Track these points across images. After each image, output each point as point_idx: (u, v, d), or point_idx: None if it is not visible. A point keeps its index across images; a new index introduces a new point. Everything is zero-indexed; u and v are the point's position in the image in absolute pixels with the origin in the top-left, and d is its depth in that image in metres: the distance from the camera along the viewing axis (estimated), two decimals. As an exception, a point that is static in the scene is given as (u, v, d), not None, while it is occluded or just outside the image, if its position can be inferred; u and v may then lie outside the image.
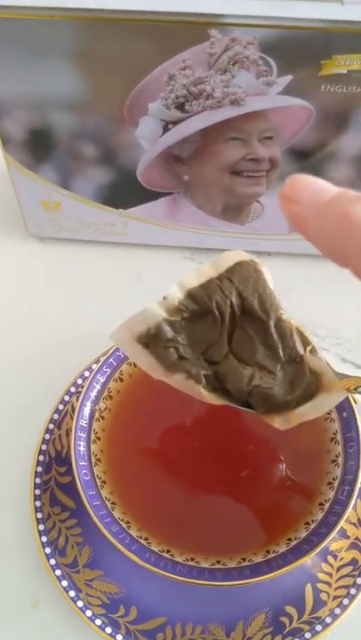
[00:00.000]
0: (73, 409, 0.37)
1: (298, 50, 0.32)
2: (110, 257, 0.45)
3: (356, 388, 0.24)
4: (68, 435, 0.36)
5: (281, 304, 0.26)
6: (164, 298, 0.26)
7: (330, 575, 0.32)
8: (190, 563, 0.27)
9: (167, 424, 0.32)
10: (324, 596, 0.32)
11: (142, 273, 0.45)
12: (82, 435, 0.30)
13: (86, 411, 0.30)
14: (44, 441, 0.35)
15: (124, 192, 0.40)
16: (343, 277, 0.43)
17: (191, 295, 0.25)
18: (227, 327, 0.25)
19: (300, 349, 0.25)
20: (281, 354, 0.25)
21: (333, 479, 0.29)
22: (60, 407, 0.36)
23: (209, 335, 0.25)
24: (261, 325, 0.25)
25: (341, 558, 0.33)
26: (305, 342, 0.26)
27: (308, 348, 0.26)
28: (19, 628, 0.33)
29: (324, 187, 0.20)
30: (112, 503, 0.29)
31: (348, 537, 0.33)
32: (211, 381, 0.25)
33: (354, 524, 0.33)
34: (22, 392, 0.39)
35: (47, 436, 0.36)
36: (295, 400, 0.25)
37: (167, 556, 0.27)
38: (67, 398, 0.37)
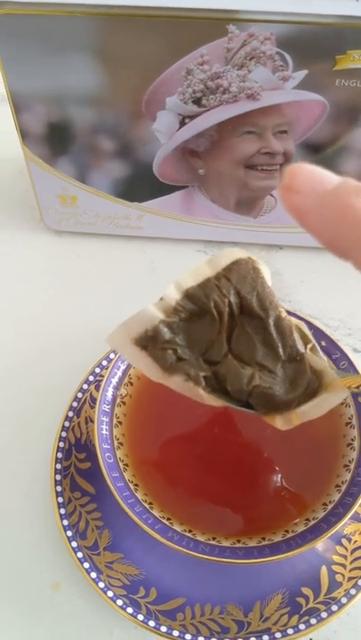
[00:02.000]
0: (92, 397, 0.37)
1: (313, 45, 0.32)
2: (125, 250, 0.46)
3: (357, 387, 0.24)
4: (87, 422, 0.37)
5: (284, 299, 0.26)
6: (161, 299, 0.25)
7: (344, 557, 0.33)
8: (212, 542, 0.28)
9: (187, 409, 0.32)
10: (339, 578, 0.32)
11: (157, 266, 0.46)
12: (104, 419, 0.31)
13: (109, 396, 0.31)
14: (63, 428, 0.36)
15: (140, 186, 0.41)
16: (352, 269, 0.44)
17: (188, 295, 0.25)
18: (225, 326, 0.25)
19: (301, 348, 0.25)
20: (281, 352, 0.25)
21: (350, 462, 0.30)
22: (79, 395, 0.37)
23: (208, 335, 0.25)
24: (261, 324, 0.25)
25: (355, 541, 0.33)
26: (305, 340, 0.25)
27: (309, 347, 0.25)
28: (40, 610, 0.33)
29: (325, 176, 0.19)
30: (135, 485, 0.30)
31: (361, 521, 0.34)
32: (210, 382, 0.25)
33: (367, 508, 0.34)
34: (42, 381, 0.40)
35: (67, 424, 0.36)
36: (296, 399, 0.25)
37: (190, 535, 0.28)
38: (85, 387, 0.38)
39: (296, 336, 0.25)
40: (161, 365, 0.25)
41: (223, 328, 0.25)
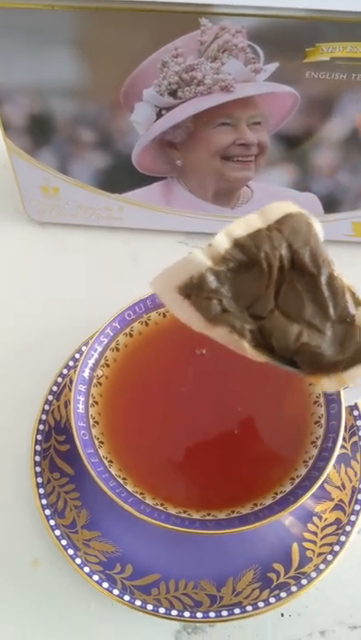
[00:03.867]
0: (71, 381, 0.38)
1: (284, 38, 0.33)
2: (107, 241, 0.47)
3: None
4: (66, 406, 0.38)
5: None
6: (210, 245, 0.24)
7: (315, 534, 0.34)
8: (183, 515, 0.29)
9: (160, 390, 0.33)
10: (309, 554, 0.33)
11: (138, 257, 0.47)
12: (80, 398, 0.32)
13: (85, 376, 0.32)
14: (43, 411, 0.37)
15: (120, 177, 0.42)
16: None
17: (239, 244, 0.24)
18: (274, 281, 0.24)
19: (352, 309, 0.24)
20: (332, 312, 0.24)
21: (317, 438, 0.31)
22: (59, 380, 0.38)
23: (255, 289, 0.24)
24: (312, 281, 0.24)
25: (326, 519, 0.34)
26: (357, 302, 0.24)
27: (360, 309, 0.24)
28: (20, 586, 0.34)
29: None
30: (109, 461, 0.30)
31: (332, 499, 0.35)
32: (255, 337, 0.24)
33: (338, 487, 0.35)
34: (23, 368, 0.41)
35: (47, 407, 0.37)
36: (345, 361, 0.24)
37: (161, 508, 0.29)
38: (65, 372, 0.39)
39: (348, 297, 0.24)
40: (205, 316, 0.24)
41: (272, 282, 0.24)
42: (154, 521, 0.28)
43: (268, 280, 0.24)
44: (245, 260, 0.24)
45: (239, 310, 0.24)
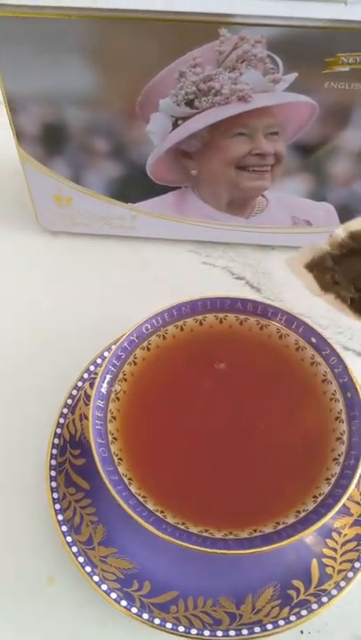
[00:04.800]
0: (86, 394, 0.38)
1: (303, 48, 0.33)
2: (118, 250, 0.47)
3: None
4: (81, 419, 0.37)
5: (275, 298, 0.34)
6: (330, 236, 0.31)
7: (335, 550, 0.34)
8: (204, 534, 0.29)
9: (179, 405, 0.33)
10: (329, 570, 0.33)
11: (149, 266, 0.46)
12: (99, 414, 0.31)
13: (103, 391, 0.32)
14: (58, 425, 0.37)
15: (134, 186, 0.42)
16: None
17: (352, 235, 0.31)
18: None
19: None
20: None
21: (339, 455, 0.30)
22: (74, 393, 0.38)
23: (360, 268, 0.31)
24: None
25: (345, 535, 0.34)
26: None
27: None
28: (35, 604, 0.34)
29: None
30: (129, 479, 0.30)
31: (351, 514, 0.34)
32: (355, 304, 0.31)
33: (357, 502, 0.35)
34: (37, 380, 0.41)
35: (62, 420, 0.37)
36: None
37: (182, 527, 0.29)
38: (80, 384, 0.38)
39: None
40: (320, 285, 0.31)
41: None
42: (176, 541, 0.28)
43: None
44: (356, 247, 0.31)
45: (346, 283, 0.31)
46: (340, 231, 0.31)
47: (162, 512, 0.29)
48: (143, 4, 0.32)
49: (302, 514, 0.29)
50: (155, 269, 0.46)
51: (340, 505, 0.28)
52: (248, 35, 0.33)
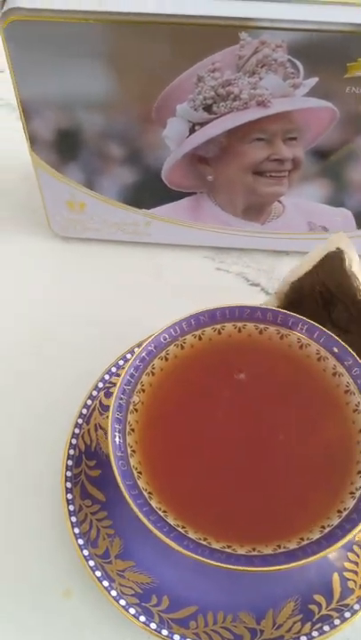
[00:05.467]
0: (101, 404, 0.37)
1: (325, 52, 0.32)
2: (132, 256, 0.46)
3: None
4: (96, 429, 0.37)
5: None
6: (275, 292, 0.36)
7: (356, 564, 0.33)
8: (227, 550, 0.28)
9: (199, 416, 0.32)
10: (351, 585, 0.32)
11: (163, 272, 0.46)
12: (117, 426, 0.31)
13: (122, 403, 0.31)
14: (73, 435, 0.36)
15: (148, 192, 0.41)
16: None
17: (293, 287, 0.36)
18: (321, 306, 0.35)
19: None
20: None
21: (364, 469, 0.30)
22: (89, 402, 0.37)
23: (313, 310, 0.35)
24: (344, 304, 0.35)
25: (367, 548, 0.33)
26: None
27: None
28: (51, 618, 0.33)
29: None
30: (149, 493, 0.29)
31: (373, 527, 0.34)
32: None
33: (379, 514, 0.34)
34: (50, 389, 0.40)
35: (76, 431, 0.36)
36: None
37: (205, 543, 0.28)
38: (94, 394, 0.38)
39: None
40: None
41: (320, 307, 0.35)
42: (199, 557, 0.27)
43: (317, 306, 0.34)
44: (297, 297, 0.34)
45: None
46: (283, 285, 0.34)
47: (183, 527, 0.29)
48: (161, 7, 0.32)
49: (327, 529, 0.28)
50: (168, 275, 0.45)
51: (366, 521, 0.28)
52: (269, 39, 0.32)
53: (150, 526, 0.28)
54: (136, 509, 0.28)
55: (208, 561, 0.27)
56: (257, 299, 0.44)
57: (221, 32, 0.32)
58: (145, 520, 0.28)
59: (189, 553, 0.27)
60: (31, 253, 0.46)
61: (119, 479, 0.29)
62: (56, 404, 0.39)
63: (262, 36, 0.32)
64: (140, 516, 0.28)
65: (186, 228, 0.43)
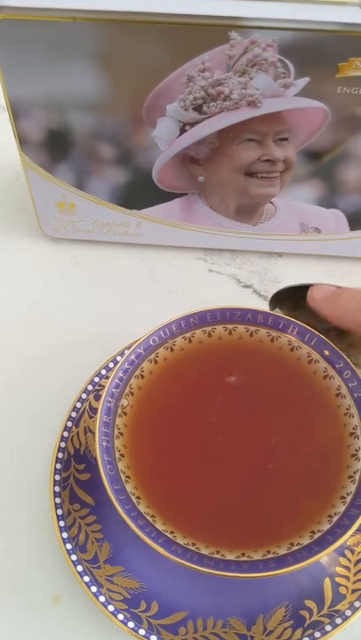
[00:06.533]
0: (91, 407, 0.37)
1: (316, 52, 0.32)
2: (123, 257, 0.46)
3: None
4: (86, 433, 0.36)
5: None
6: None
7: (348, 569, 0.33)
8: (216, 555, 0.28)
9: (188, 420, 0.32)
10: (343, 590, 0.32)
11: (155, 273, 0.45)
12: (106, 430, 0.30)
13: (110, 406, 0.31)
14: (62, 438, 0.36)
15: (139, 193, 0.41)
16: (352, 277, 0.44)
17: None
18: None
19: None
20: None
21: (354, 473, 0.29)
22: (78, 405, 0.37)
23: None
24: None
25: (359, 553, 0.33)
26: None
27: None
28: (40, 623, 0.33)
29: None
30: (137, 497, 0.29)
31: (365, 531, 0.34)
32: None
33: (371, 518, 0.34)
34: (39, 391, 0.40)
35: (65, 434, 0.36)
36: None
37: (193, 548, 0.28)
38: (84, 396, 0.37)
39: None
40: None
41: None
42: (186, 563, 0.27)
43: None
44: None
45: None
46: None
47: (171, 532, 0.28)
48: (150, 6, 0.31)
49: (317, 534, 0.28)
50: (160, 277, 0.45)
51: (356, 526, 0.27)
52: (259, 38, 0.32)
53: (138, 531, 0.27)
54: (123, 514, 0.28)
55: (196, 567, 0.27)
56: (249, 300, 0.44)
57: (211, 31, 0.31)
58: (132, 525, 0.27)
59: (177, 559, 0.27)
60: (21, 254, 0.46)
61: (106, 483, 0.28)
62: (46, 407, 0.39)
63: (252, 35, 0.32)
64: (128, 520, 0.28)
65: (177, 229, 0.43)
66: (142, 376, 0.33)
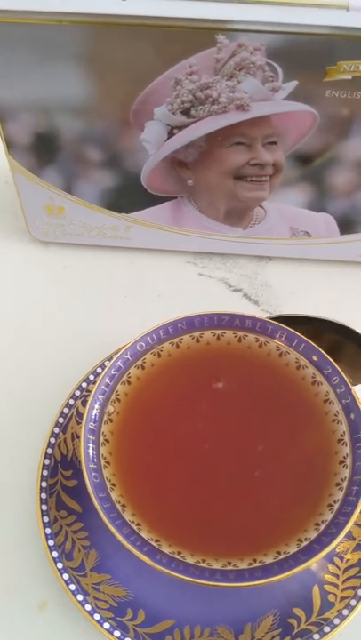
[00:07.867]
0: (78, 413, 0.37)
1: (304, 56, 0.32)
2: (113, 261, 0.45)
3: None
4: (73, 439, 0.36)
5: (274, 311, 0.32)
6: None
7: (337, 577, 0.32)
8: (202, 564, 0.27)
9: (175, 427, 0.32)
10: (331, 598, 0.32)
11: (145, 277, 0.45)
12: (91, 437, 0.30)
13: (95, 413, 0.30)
14: (49, 445, 0.35)
15: (128, 196, 0.41)
16: (343, 281, 0.43)
17: None
18: None
19: None
20: None
21: (342, 480, 0.29)
22: (66, 411, 0.36)
23: None
24: None
25: (348, 560, 0.33)
26: None
27: None
28: (26, 631, 0.33)
29: None
30: (122, 505, 0.29)
31: (353, 538, 0.33)
32: None
33: (359, 525, 0.33)
34: (27, 396, 0.39)
35: (52, 440, 0.36)
36: None
37: (178, 557, 0.27)
38: (72, 402, 0.37)
39: None
40: None
41: None
42: (171, 572, 0.26)
43: None
44: None
45: None
46: None
47: (157, 540, 0.28)
48: (137, 9, 0.31)
49: (304, 542, 0.28)
50: (149, 280, 0.45)
51: (343, 534, 0.27)
52: (247, 41, 0.32)
53: (122, 540, 0.27)
54: (108, 522, 0.27)
55: (182, 576, 0.27)
56: (239, 305, 0.43)
57: (198, 34, 0.31)
58: (117, 533, 0.27)
59: (162, 568, 0.27)
60: (9, 258, 0.45)
61: (91, 491, 0.28)
62: (32, 413, 0.38)
63: (240, 38, 0.31)
64: (112, 529, 0.27)
65: (167, 232, 0.43)
66: (129, 382, 0.32)
